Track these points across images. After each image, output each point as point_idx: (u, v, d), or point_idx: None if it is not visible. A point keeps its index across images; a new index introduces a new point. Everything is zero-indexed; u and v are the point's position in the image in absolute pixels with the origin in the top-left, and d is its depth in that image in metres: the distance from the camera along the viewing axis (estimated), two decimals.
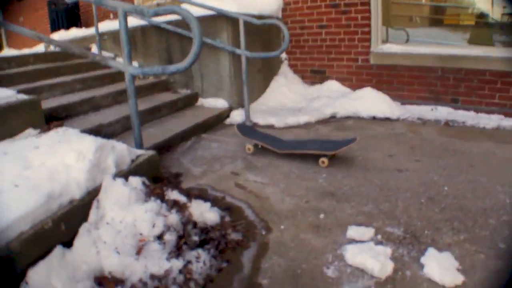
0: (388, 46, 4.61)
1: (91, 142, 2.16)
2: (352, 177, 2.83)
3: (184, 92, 4.60)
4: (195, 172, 3.00)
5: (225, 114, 4.34)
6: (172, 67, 2.54)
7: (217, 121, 4.20)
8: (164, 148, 3.37)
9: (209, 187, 2.72)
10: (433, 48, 4.41)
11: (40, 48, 6.19)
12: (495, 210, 2.33)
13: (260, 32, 4.67)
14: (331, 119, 4.30)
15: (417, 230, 2.17)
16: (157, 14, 2.55)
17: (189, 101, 4.48)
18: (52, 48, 5.46)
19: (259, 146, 3.28)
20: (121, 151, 2.31)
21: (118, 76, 4.56)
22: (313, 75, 5.11)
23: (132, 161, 2.37)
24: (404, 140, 3.57)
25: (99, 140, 2.23)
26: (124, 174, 2.19)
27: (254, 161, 3.17)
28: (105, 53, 5.07)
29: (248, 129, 3.42)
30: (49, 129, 2.62)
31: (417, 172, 2.88)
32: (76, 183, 1.93)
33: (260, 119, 4.18)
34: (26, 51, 5.89)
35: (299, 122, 4.09)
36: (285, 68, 5.18)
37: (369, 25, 4.59)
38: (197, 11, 4.30)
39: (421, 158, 3.13)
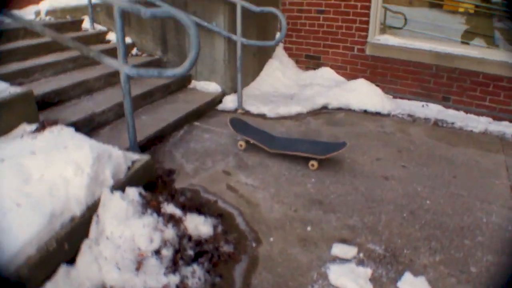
0: (385, 38, 4.59)
1: (87, 153, 2.18)
2: (340, 183, 2.94)
3: None
4: (188, 169, 3.06)
5: (218, 99, 4.33)
6: (169, 72, 2.53)
7: (210, 107, 4.19)
8: (157, 139, 3.40)
9: (202, 189, 2.80)
10: (429, 44, 4.40)
11: (30, 12, 5.92)
12: (471, 230, 2.49)
13: (257, 15, 4.56)
14: (323, 110, 4.35)
15: (397, 248, 2.31)
16: (154, 16, 2.50)
17: (182, 84, 4.44)
18: (42, 15, 5.25)
19: (251, 142, 3.33)
20: (117, 158, 2.35)
21: (112, 52, 4.44)
22: (308, 60, 5.08)
23: (128, 168, 2.41)
24: (393, 141, 3.66)
25: (96, 149, 2.25)
26: (121, 185, 2.25)
27: (246, 158, 3.24)
28: (98, 26, 4.91)
29: (240, 124, 3.45)
30: (43, 127, 2.61)
31: (402, 181, 3.01)
32: (76, 199, 1.99)
33: (252, 107, 4.20)
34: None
35: (291, 113, 4.13)
36: (280, 51, 5.11)
37: (368, 15, 4.52)
38: None
39: (407, 164, 3.25)
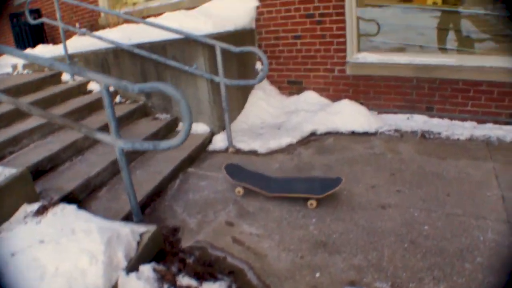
0: (364, 56, 4.70)
1: (97, 238, 2.25)
2: (340, 220, 3.03)
3: (164, 117, 4.58)
4: (191, 224, 3.11)
5: (208, 139, 4.39)
6: (163, 144, 2.57)
7: (201, 150, 4.25)
8: (155, 194, 3.45)
9: (209, 245, 2.86)
10: (407, 56, 4.53)
11: (6, 64, 5.90)
12: (470, 251, 2.59)
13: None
14: (312, 137, 4.44)
15: (403, 283, 2.40)
16: (142, 91, 2.54)
17: (170, 129, 4.49)
18: (20, 69, 5.24)
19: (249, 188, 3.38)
20: (126, 236, 2.40)
21: (96, 104, 4.50)
22: (290, 86, 5.17)
23: (138, 243, 2.47)
24: (384, 163, 3.77)
25: (104, 231, 2.32)
26: (134, 263, 2.31)
27: (245, 205, 3.30)
28: (78, 77, 4.92)
29: (235, 169, 3.51)
30: (45, 209, 2.66)
31: (399, 207, 3.11)
32: None
33: (242, 144, 4.26)
34: None
35: (282, 145, 4.20)
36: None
37: (344, 36, 4.63)
38: (171, 35, 4.24)
39: (401, 188, 3.36)
